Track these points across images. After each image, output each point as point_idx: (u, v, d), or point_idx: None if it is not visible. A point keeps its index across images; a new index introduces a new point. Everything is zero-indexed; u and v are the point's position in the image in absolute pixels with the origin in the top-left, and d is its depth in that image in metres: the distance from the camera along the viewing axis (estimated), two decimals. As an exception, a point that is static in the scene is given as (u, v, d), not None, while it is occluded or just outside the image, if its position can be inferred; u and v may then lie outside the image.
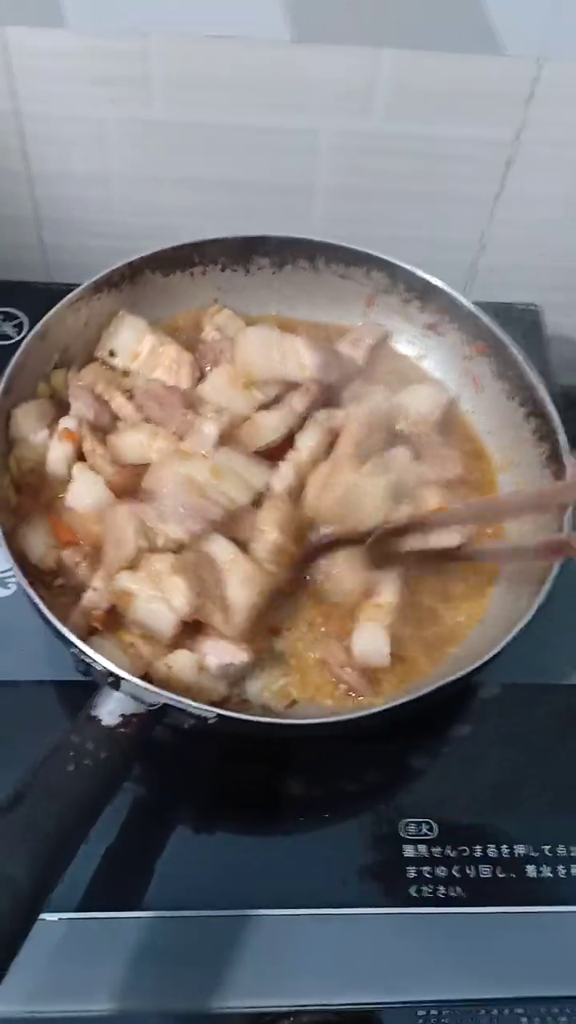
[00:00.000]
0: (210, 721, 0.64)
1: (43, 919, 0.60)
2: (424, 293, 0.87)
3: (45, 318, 0.81)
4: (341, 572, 0.77)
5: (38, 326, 0.80)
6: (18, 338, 0.98)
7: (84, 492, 0.77)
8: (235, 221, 0.95)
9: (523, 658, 0.72)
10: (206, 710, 0.63)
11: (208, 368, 0.85)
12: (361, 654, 0.74)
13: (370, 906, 0.72)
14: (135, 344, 0.85)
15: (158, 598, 0.70)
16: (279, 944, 0.70)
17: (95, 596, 0.72)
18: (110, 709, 0.63)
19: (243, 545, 0.74)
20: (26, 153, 0.94)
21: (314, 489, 0.77)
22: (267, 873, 0.73)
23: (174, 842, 0.74)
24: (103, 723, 0.62)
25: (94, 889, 0.71)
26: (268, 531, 0.73)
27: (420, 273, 0.85)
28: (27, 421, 0.80)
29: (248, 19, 0.82)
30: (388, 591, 0.76)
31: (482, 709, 0.82)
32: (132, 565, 0.72)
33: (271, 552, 0.73)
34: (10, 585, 0.85)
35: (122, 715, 0.63)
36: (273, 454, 0.80)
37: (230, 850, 0.74)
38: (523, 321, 0.88)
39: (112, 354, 0.86)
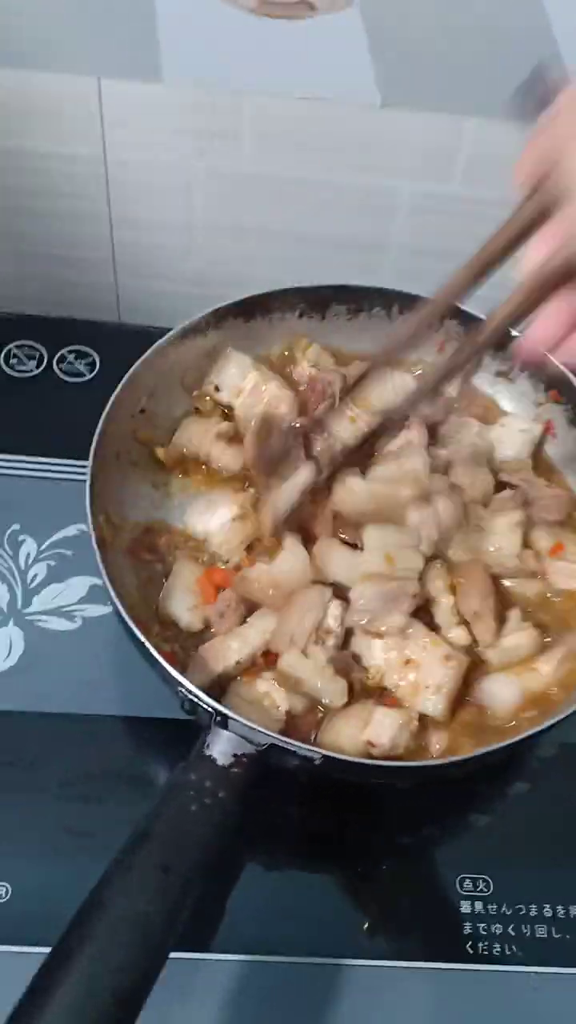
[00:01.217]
0: (316, 762, 0.64)
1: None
2: (498, 338, 0.88)
3: (134, 366, 0.82)
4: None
5: (130, 372, 0.82)
6: (90, 376, 1.01)
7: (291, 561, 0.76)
8: (309, 273, 0.97)
9: None
10: (312, 751, 0.64)
11: (311, 401, 0.87)
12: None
13: (425, 960, 0.73)
14: (240, 380, 0.87)
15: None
16: (331, 994, 0.70)
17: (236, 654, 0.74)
18: (222, 749, 0.64)
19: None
20: (109, 198, 0.97)
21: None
22: (321, 921, 0.73)
23: (239, 886, 0.74)
24: (218, 763, 0.63)
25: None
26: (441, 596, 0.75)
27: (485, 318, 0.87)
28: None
29: (340, 83, 0.85)
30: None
31: (538, 768, 0.83)
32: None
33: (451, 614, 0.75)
34: (76, 618, 0.87)
35: (234, 755, 0.63)
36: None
37: (281, 897, 0.74)
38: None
39: (217, 389, 0.88)
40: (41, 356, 1.01)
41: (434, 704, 0.71)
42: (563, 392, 0.87)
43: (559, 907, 0.76)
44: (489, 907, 0.75)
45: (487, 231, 0.97)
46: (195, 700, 0.65)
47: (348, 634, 0.74)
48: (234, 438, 0.85)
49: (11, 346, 1.02)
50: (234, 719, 0.64)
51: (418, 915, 0.75)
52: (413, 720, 0.70)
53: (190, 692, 0.66)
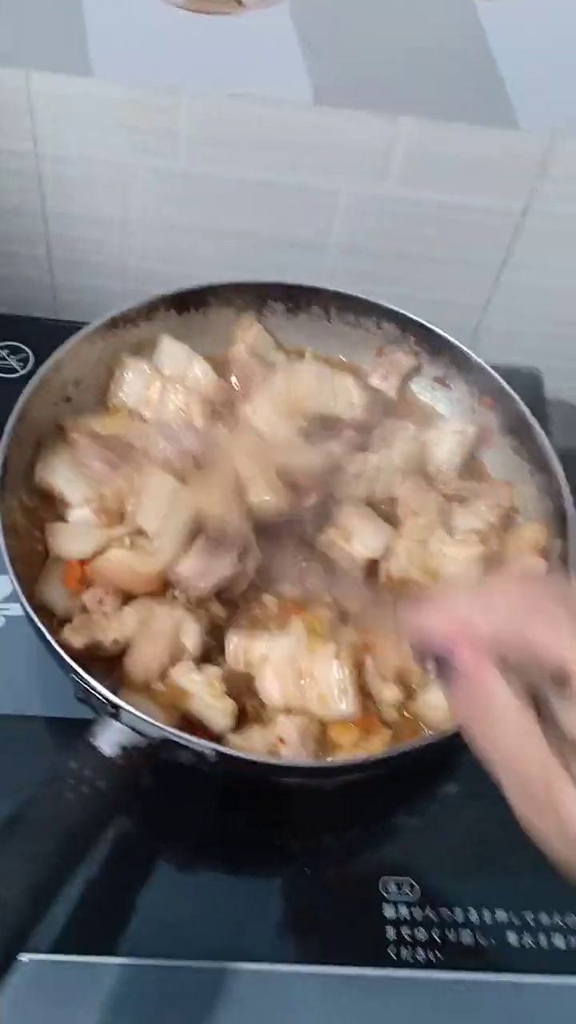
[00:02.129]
0: (210, 759, 0.63)
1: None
2: (433, 346, 0.88)
3: (59, 350, 0.81)
4: None
5: (52, 358, 0.81)
6: (23, 372, 0.99)
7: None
8: (249, 273, 0.96)
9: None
10: (207, 747, 0.63)
11: (235, 384, 0.87)
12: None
13: (348, 964, 0.71)
14: (144, 391, 0.85)
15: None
16: (251, 998, 0.69)
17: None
18: (110, 740, 0.63)
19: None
20: (43, 193, 0.95)
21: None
22: (242, 925, 0.72)
23: (151, 886, 0.73)
24: (103, 753, 0.62)
25: (69, 931, 0.70)
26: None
27: (429, 325, 0.87)
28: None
29: (272, 81, 0.84)
30: None
31: (467, 770, 0.82)
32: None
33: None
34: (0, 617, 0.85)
35: (122, 747, 0.62)
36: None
37: (204, 900, 0.73)
38: (525, 384, 0.89)
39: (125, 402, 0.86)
40: (-28, 352, 1.00)
41: (344, 706, 0.70)
42: (496, 400, 0.86)
43: (485, 912, 0.75)
44: (413, 911, 0.74)
45: (424, 232, 0.97)
46: (88, 688, 0.64)
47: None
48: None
49: (-57, 342, 1.00)
50: (126, 710, 0.62)
51: (340, 919, 0.73)
52: (314, 723, 0.69)
53: (82, 680, 0.64)
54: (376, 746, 0.69)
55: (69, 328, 1.03)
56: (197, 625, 0.72)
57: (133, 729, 0.63)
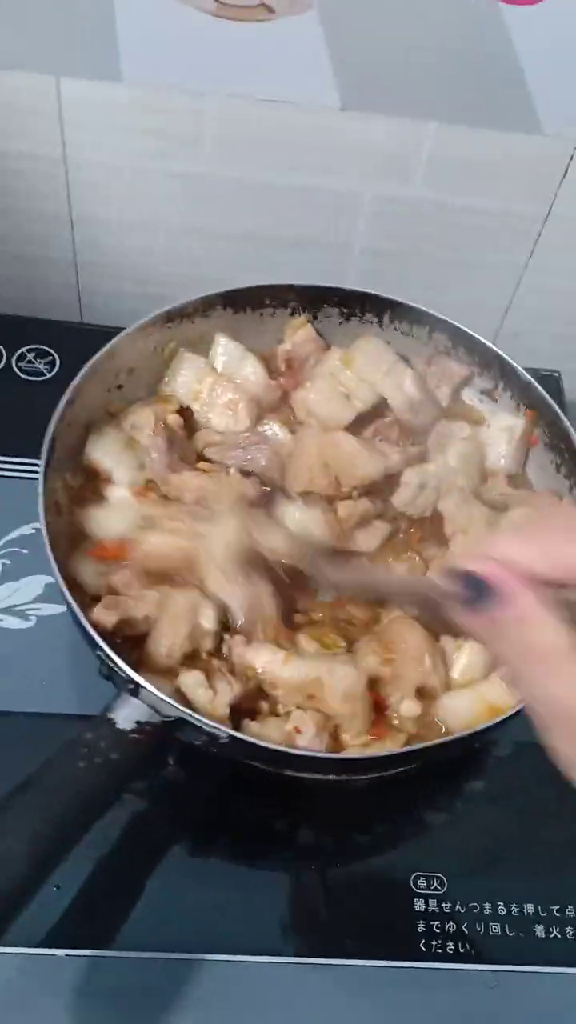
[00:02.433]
0: (222, 741, 0.65)
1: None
2: (482, 359, 0.89)
3: (116, 338, 0.83)
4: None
5: (107, 345, 0.83)
6: (49, 375, 1.00)
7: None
8: (273, 275, 0.97)
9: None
10: (219, 729, 0.64)
11: (280, 380, 0.88)
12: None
13: (377, 958, 0.73)
14: (196, 383, 0.87)
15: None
16: (283, 992, 0.70)
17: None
18: (126, 714, 0.65)
19: None
20: (70, 198, 0.96)
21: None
22: (270, 920, 0.73)
23: (177, 877, 0.74)
24: (117, 726, 0.64)
25: (66, 924, 0.71)
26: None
27: (480, 338, 0.87)
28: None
29: (299, 86, 0.85)
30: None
31: (494, 767, 0.83)
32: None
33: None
34: (31, 617, 0.86)
35: (137, 722, 0.64)
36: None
37: (236, 893, 0.74)
38: (545, 386, 0.90)
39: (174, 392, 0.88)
40: (0, 354, 1.01)
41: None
42: (541, 414, 0.86)
43: (513, 905, 0.76)
44: (443, 905, 0.75)
45: (446, 234, 0.98)
46: (112, 664, 0.66)
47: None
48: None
49: (-30, 344, 1.01)
50: (145, 688, 0.64)
51: (372, 913, 0.75)
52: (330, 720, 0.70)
53: (107, 655, 0.66)
54: (389, 747, 0.70)
55: (94, 332, 1.05)
56: (216, 610, 0.73)
57: (150, 707, 0.65)
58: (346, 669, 0.70)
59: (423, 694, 0.73)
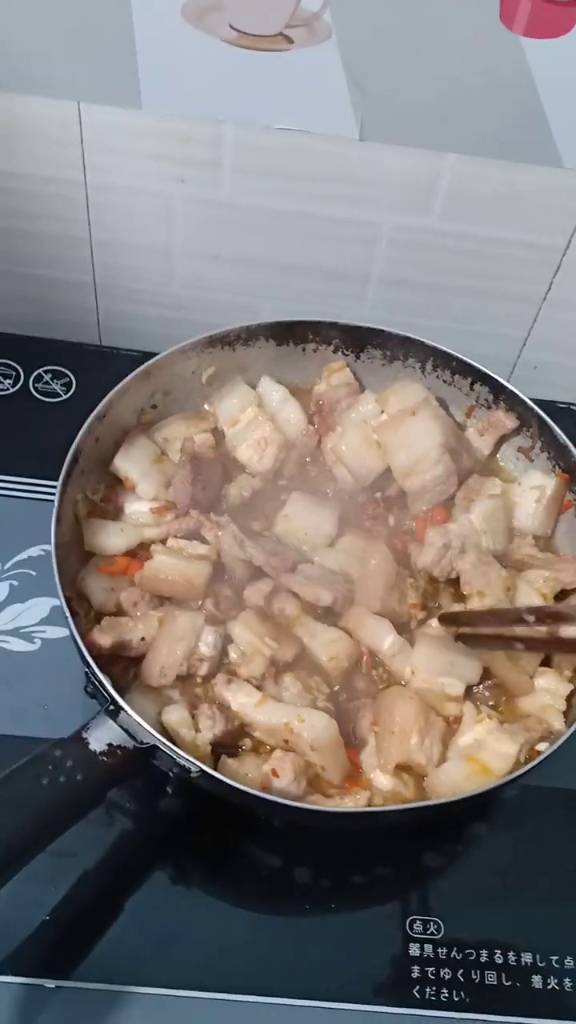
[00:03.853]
0: (193, 774, 0.64)
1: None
2: (521, 416, 0.88)
3: (154, 359, 0.84)
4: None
5: (145, 364, 0.84)
6: (65, 396, 1.01)
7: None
8: (291, 303, 0.97)
9: (543, 762, 0.71)
10: (191, 762, 0.64)
11: (313, 423, 0.89)
12: None
13: (370, 1003, 0.71)
14: (238, 412, 0.88)
15: None
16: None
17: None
18: (100, 735, 0.65)
19: None
20: (90, 222, 0.97)
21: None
22: (266, 959, 0.72)
23: (166, 913, 0.74)
24: (89, 746, 0.64)
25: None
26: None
27: (522, 396, 0.87)
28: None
29: (318, 116, 0.85)
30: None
31: (498, 810, 0.82)
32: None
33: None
34: (36, 640, 0.86)
35: (110, 744, 0.64)
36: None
37: (230, 932, 0.74)
38: (563, 418, 0.89)
39: (214, 413, 0.89)
40: (17, 375, 1.01)
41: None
42: (574, 479, 0.85)
43: (510, 954, 0.74)
44: (439, 951, 0.74)
45: (465, 265, 0.98)
46: (96, 682, 0.65)
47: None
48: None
49: (-12, 364, 1.02)
50: (125, 711, 0.64)
51: (366, 956, 0.73)
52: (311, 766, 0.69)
53: (92, 672, 0.66)
54: (349, 803, 0.69)
55: (112, 354, 1.06)
56: (216, 636, 0.73)
57: (126, 731, 0.65)
58: (316, 718, 0.69)
59: (406, 769, 0.71)
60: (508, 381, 0.88)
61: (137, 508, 0.82)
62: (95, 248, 0.99)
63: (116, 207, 0.96)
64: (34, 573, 0.88)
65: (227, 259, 0.99)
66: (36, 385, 1.01)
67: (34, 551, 0.89)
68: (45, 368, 1.02)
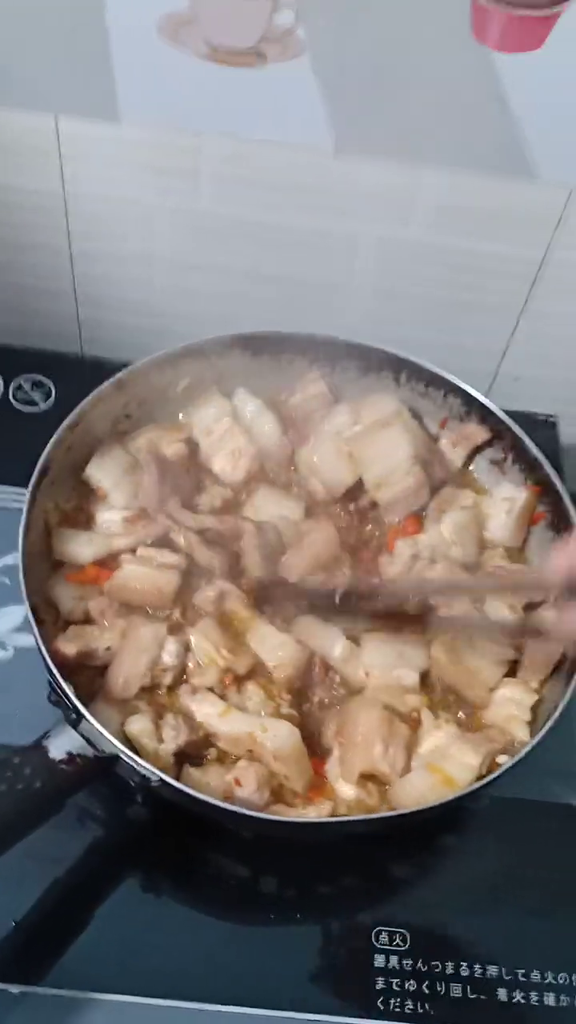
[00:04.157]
0: (154, 783, 0.64)
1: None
2: (494, 428, 0.88)
3: (128, 369, 0.85)
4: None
5: (119, 375, 0.84)
6: (44, 406, 1.01)
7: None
8: (272, 313, 0.97)
9: (513, 773, 0.71)
10: (151, 772, 0.64)
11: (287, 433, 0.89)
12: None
13: (333, 1014, 0.71)
14: (213, 422, 0.88)
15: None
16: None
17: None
18: (60, 743, 0.65)
19: None
20: (69, 231, 0.97)
21: None
22: (228, 968, 0.72)
23: (134, 920, 0.74)
24: (48, 754, 0.64)
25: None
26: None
27: (494, 408, 0.87)
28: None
29: (293, 130, 0.85)
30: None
31: (468, 822, 0.82)
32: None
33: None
34: (8, 647, 0.86)
35: (69, 752, 0.64)
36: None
37: (193, 940, 0.73)
38: (542, 430, 0.89)
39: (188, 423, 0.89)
40: (-3, 383, 1.02)
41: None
42: (545, 492, 0.85)
43: (477, 966, 0.74)
44: (404, 963, 0.74)
45: (444, 277, 0.98)
46: (59, 691, 0.66)
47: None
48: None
49: (-34, 373, 1.02)
50: (87, 720, 0.64)
51: (330, 966, 0.73)
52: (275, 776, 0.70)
53: (55, 680, 0.66)
54: (312, 813, 0.69)
55: (92, 364, 1.06)
56: (179, 646, 0.74)
57: (87, 739, 0.65)
58: (279, 727, 0.69)
59: (371, 779, 0.71)
60: (488, 393, 0.89)
61: (109, 518, 0.83)
62: (75, 258, 1.00)
63: (96, 217, 0.96)
64: (8, 581, 0.89)
65: (208, 269, 1.00)
66: (16, 394, 1.01)
67: (9, 559, 0.89)
68: (25, 377, 1.02)
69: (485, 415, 0.88)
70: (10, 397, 1.01)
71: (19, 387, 1.02)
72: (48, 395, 1.02)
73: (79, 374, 1.03)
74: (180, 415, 0.90)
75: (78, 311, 1.06)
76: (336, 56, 0.79)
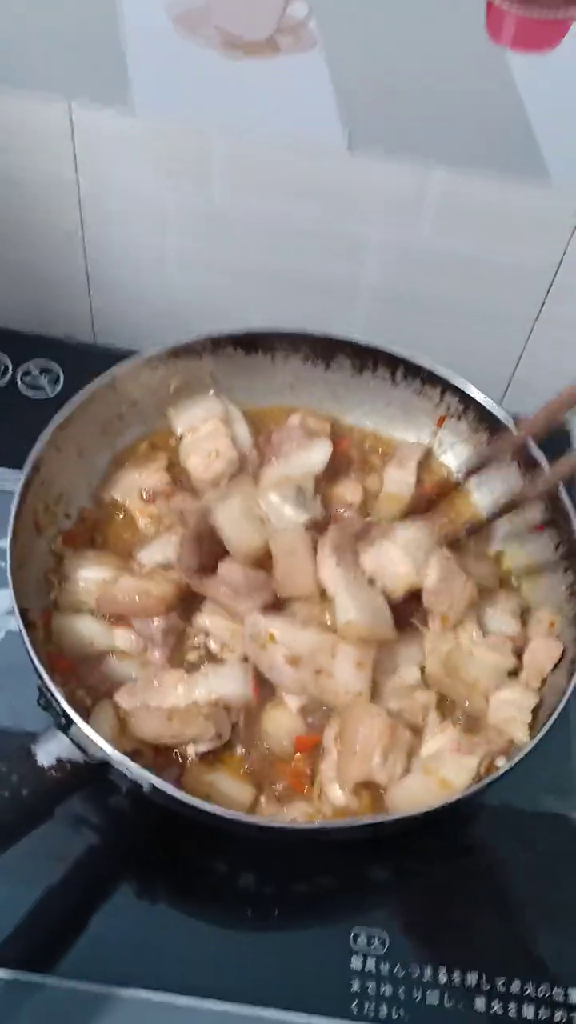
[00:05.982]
0: (145, 790, 0.63)
1: None
2: (491, 427, 0.86)
3: (117, 368, 0.84)
4: None
5: (107, 374, 0.83)
6: (52, 393, 1.01)
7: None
8: (281, 311, 0.97)
9: (500, 781, 0.69)
10: (144, 778, 0.63)
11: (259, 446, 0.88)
12: None
13: (306, 1012, 0.70)
14: (199, 421, 0.87)
15: None
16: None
17: None
18: (49, 749, 0.63)
19: None
20: (82, 219, 0.97)
21: None
22: (202, 961, 0.71)
23: (111, 912, 0.73)
24: (37, 761, 0.62)
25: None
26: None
27: (491, 407, 0.85)
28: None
29: (307, 126, 0.85)
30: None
31: (453, 826, 0.81)
32: None
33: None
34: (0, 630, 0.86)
35: (59, 758, 0.63)
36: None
37: (166, 933, 0.73)
38: (554, 436, 0.88)
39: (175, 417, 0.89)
40: (5, 368, 1.02)
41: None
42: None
43: (455, 973, 0.73)
44: (381, 966, 0.73)
45: (456, 282, 0.97)
46: (48, 694, 0.64)
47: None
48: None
49: (-25, 356, 1.02)
50: (77, 725, 0.62)
51: (306, 965, 0.72)
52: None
53: (44, 684, 0.65)
54: (293, 814, 0.69)
55: (103, 352, 1.06)
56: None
57: (77, 745, 0.63)
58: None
59: (366, 786, 0.70)
60: (501, 401, 0.87)
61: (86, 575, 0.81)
62: (88, 247, 1.00)
63: (109, 207, 0.96)
64: (3, 564, 0.88)
65: (218, 265, 1.00)
66: (24, 379, 1.01)
67: (4, 543, 0.89)
68: (34, 362, 1.03)
69: (481, 413, 0.86)
70: (18, 381, 1.01)
71: (27, 372, 1.02)
72: (56, 381, 1.02)
73: (89, 362, 1.02)
74: (169, 409, 0.89)
75: (91, 300, 1.06)
76: (348, 51, 0.79)
